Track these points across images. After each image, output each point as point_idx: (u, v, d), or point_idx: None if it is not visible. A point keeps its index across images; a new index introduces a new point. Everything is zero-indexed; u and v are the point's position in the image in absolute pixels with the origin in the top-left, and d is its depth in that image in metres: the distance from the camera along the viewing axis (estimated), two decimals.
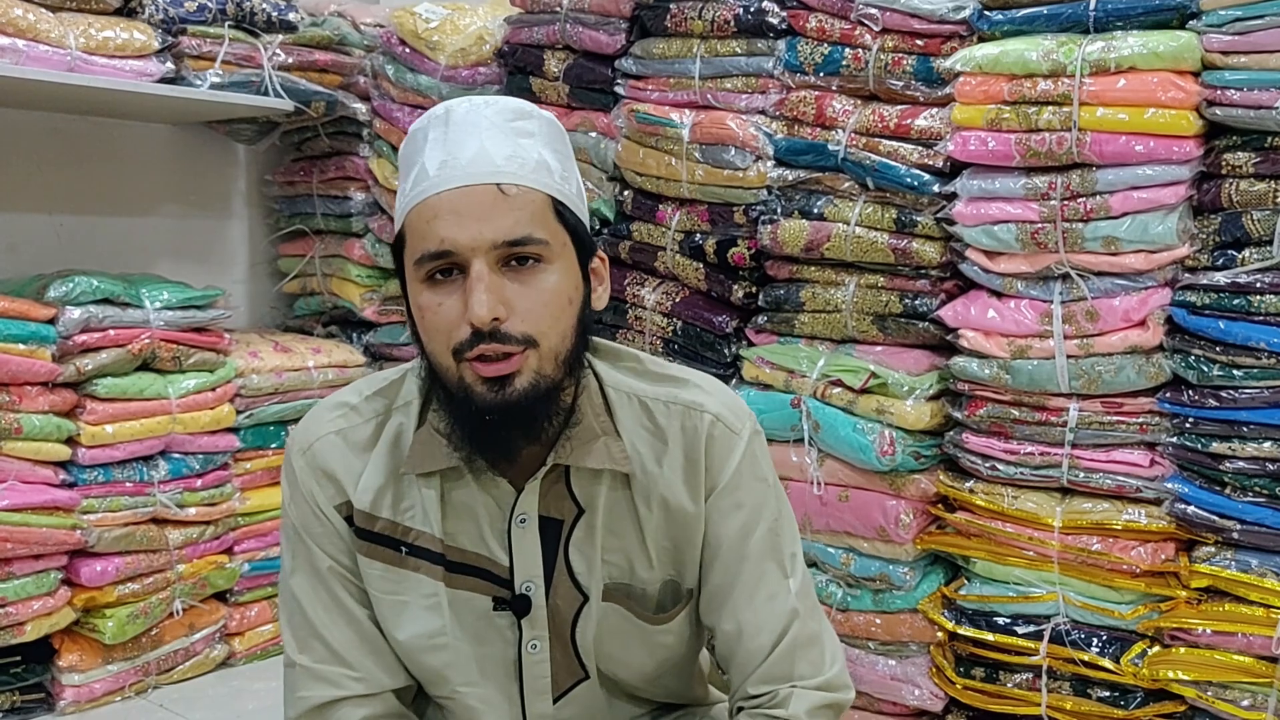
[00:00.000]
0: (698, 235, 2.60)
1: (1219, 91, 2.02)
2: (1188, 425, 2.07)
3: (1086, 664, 2.15)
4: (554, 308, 1.16)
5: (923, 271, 2.36)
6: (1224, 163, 2.04)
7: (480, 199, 1.13)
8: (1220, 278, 2.03)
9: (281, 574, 1.32)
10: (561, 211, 1.19)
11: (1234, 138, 2.05)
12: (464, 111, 1.19)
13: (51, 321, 2.49)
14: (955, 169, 2.30)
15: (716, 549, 1.28)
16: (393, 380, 1.31)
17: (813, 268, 2.46)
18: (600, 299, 1.26)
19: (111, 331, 2.57)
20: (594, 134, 2.75)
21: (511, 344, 1.12)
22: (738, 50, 2.55)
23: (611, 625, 1.30)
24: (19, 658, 2.49)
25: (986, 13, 2.25)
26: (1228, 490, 2.04)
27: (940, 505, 2.34)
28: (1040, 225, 2.16)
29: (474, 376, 1.14)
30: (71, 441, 2.54)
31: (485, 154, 1.15)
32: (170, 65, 2.73)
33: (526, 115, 1.20)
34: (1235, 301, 2.01)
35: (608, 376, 1.29)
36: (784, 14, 2.48)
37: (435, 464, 1.23)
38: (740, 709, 1.30)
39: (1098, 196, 2.12)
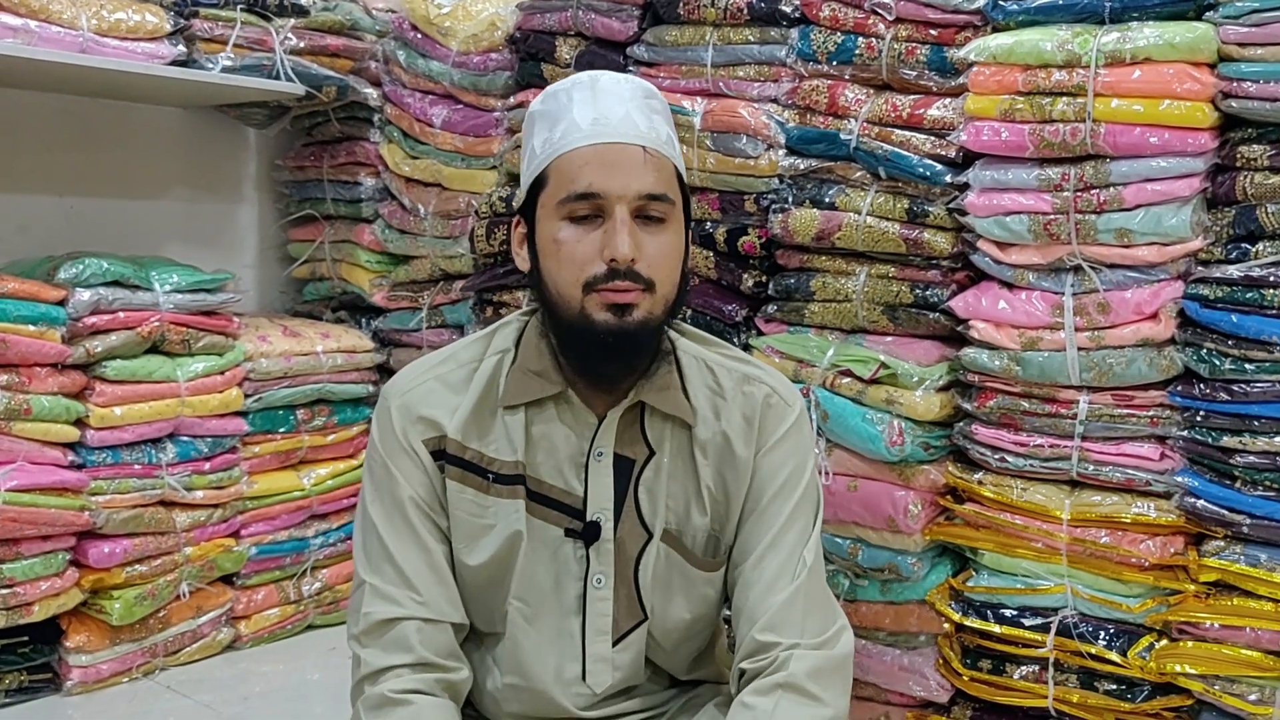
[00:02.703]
0: (708, 223, 2.59)
1: (1235, 84, 2.00)
2: (1199, 419, 2.06)
3: (1094, 657, 2.15)
4: (672, 260, 1.35)
5: (934, 262, 2.35)
6: (1239, 155, 2.03)
7: (629, 155, 1.32)
8: (1234, 271, 2.02)
9: (360, 502, 1.43)
10: (680, 181, 1.39)
11: (1250, 130, 2.04)
12: (609, 81, 1.38)
13: (61, 303, 2.50)
14: (968, 159, 2.29)
15: (757, 500, 1.42)
16: (484, 334, 1.47)
17: (823, 257, 2.46)
18: (688, 260, 1.44)
19: (121, 314, 2.58)
20: None
21: (639, 282, 1.30)
22: (750, 38, 2.54)
23: (661, 570, 1.41)
24: (26, 638, 2.51)
25: (1001, 2, 2.23)
26: (1238, 484, 2.03)
27: (949, 496, 2.33)
28: (1053, 217, 2.15)
29: (598, 305, 1.30)
30: (80, 423, 2.55)
31: (631, 119, 1.34)
32: (182, 48, 2.74)
33: (655, 96, 1.41)
34: (1248, 295, 2.00)
35: (680, 343, 1.48)
36: (797, 2, 2.47)
37: (528, 396, 1.38)
38: (743, 671, 1.36)
39: (1111, 188, 2.11)
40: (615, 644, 1.39)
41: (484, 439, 1.39)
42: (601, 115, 1.33)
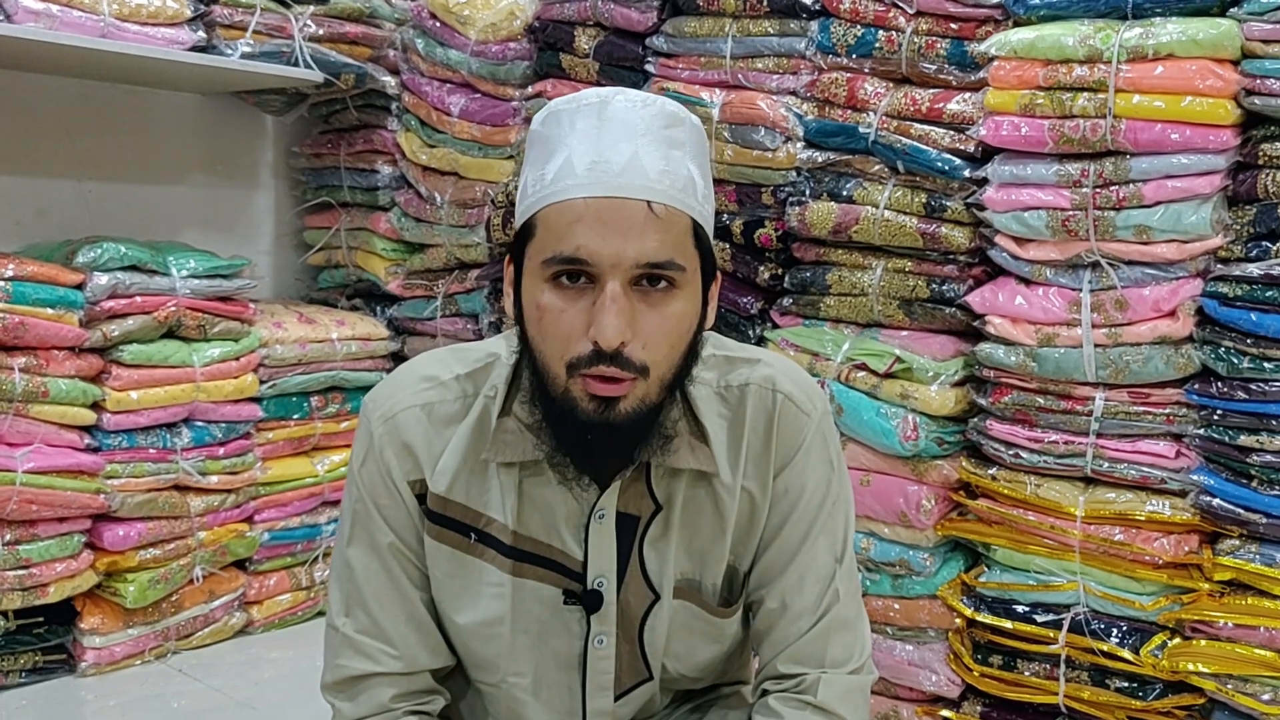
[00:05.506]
0: (725, 216, 2.59)
1: (1258, 80, 1.99)
2: (1215, 417, 2.05)
3: (1105, 654, 2.14)
4: (674, 336, 1.12)
5: (951, 256, 2.34)
6: (1261, 153, 2.02)
7: (629, 214, 1.08)
8: (1254, 269, 2.01)
9: (339, 537, 1.30)
10: (699, 235, 1.15)
11: (1272, 128, 2.03)
12: (621, 107, 1.13)
13: (79, 287, 2.51)
14: (987, 154, 2.28)
15: (778, 527, 1.28)
16: (481, 366, 1.27)
17: (840, 251, 2.45)
18: (709, 320, 1.22)
19: (138, 298, 2.59)
20: None
21: (629, 369, 1.09)
22: (770, 30, 2.54)
23: (681, 622, 1.29)
24: (42, 619, 2.53)
25: None
26: (1254, 483, 2.02)
27: (962, 492, 2.33)
28: (1071, 212, 2.14)
29: (582, 392, 1.10)
30: (97, 406, 2.56)
31: (639, 164, 1.10)
32: (202, 34, 2.74)
33: (680, 123, 1.15)
34: (1268, 293, 1.99)
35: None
36: None
37: (518, 455, 1.20)
38: (766, 691, 1.30)
39: (1131, 184, 2.10)
40: (617, 699, 1.30)
41: (470, 493, 1.24)
42: (602, 158, 1.09)
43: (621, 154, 1.10)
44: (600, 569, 1.24)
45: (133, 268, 2.59)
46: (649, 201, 1.09)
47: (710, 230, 1.19)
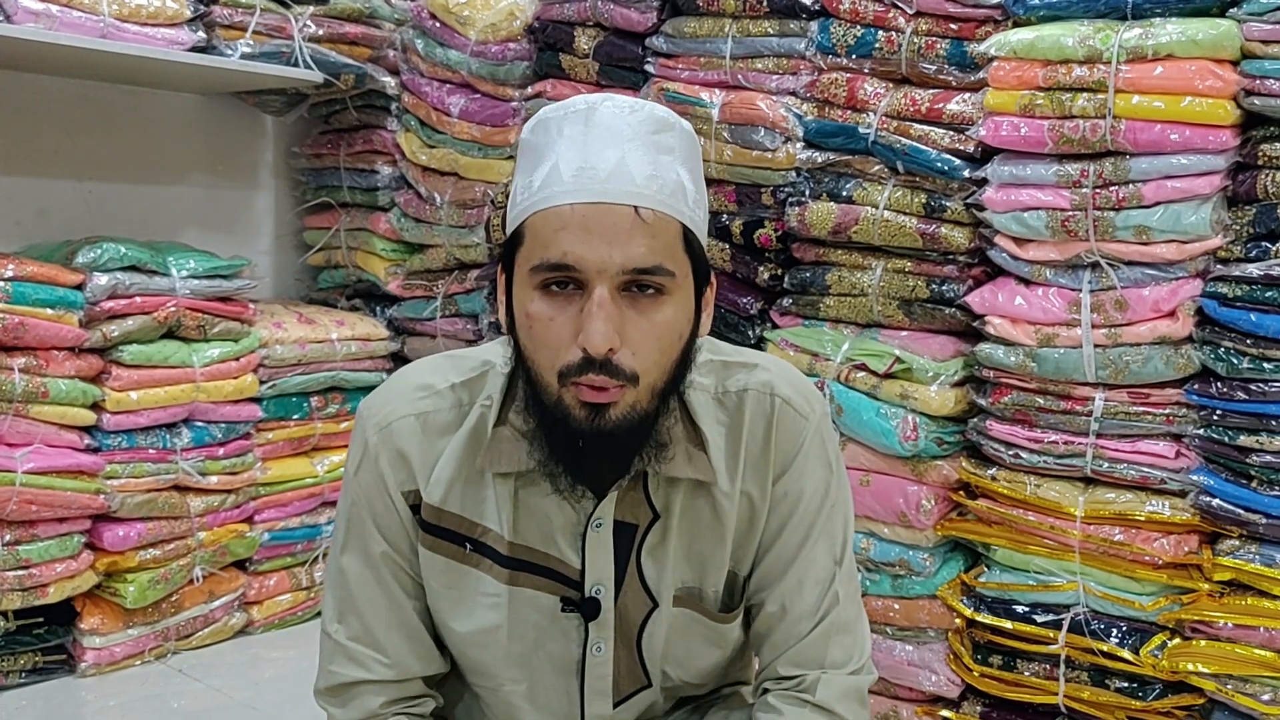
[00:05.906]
0: (724, 216, 2.59)
1: (1258, 81, 1.99)
2: (1215, 417, 2.05)
3: (1105, 654, 2.14)
4: (665, 343, 1.11)
5: (951, 257, 2.34)
6: (1261, 153, 2.02)
7: (615, 220, 1.08)
8: (1253, 270, 2.01)
9: (333, 544, 1.30)
10: (690, 240, 1.14)
11: (1272, 128, 2.03)
12: (608, 114, 1.12)
13: (79, 287, 2.51)
14: (986, 154, 2.29)
15: (777, 532, 1.28)
16: (477, 375, 1.26)
17: (839, 251, 2.45)
18: (704, 326, 1.21)
19: (138, 298, 2.59)
20: None
21: (619, 377, 1.08)
22: (770, 30, 2.54)
23: (682, 628, 1.29)
24: (41, 619, 2.53)
25: None
26: (1254, 484, 2.02)
27: (962, 492, 2.33)
28: (1071, 213, 2.14)
29: (574, 400, 1.09)
30: (97, 407, 2.56)
31: (626, 169, 1.09)
32: (201, 34, 2.74)
33: (669, 128, 1.15)
34: (1268, 294, 1.99)
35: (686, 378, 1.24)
36: None
37: (513, 465, 1.20)
38: (766, 690, 1.30)
39: (1130, 185, 2.10)
40: (616, 705, 1.31)
41: (465, 503, 1.23)
42: (589, 164, 1.09)
43: (608, 160, 1.09)
44: (598, 577, 1.24)
45: (132, 268, 2.59)
46: (636, 207, 1.08)
47: (703, 236, 1.18)
